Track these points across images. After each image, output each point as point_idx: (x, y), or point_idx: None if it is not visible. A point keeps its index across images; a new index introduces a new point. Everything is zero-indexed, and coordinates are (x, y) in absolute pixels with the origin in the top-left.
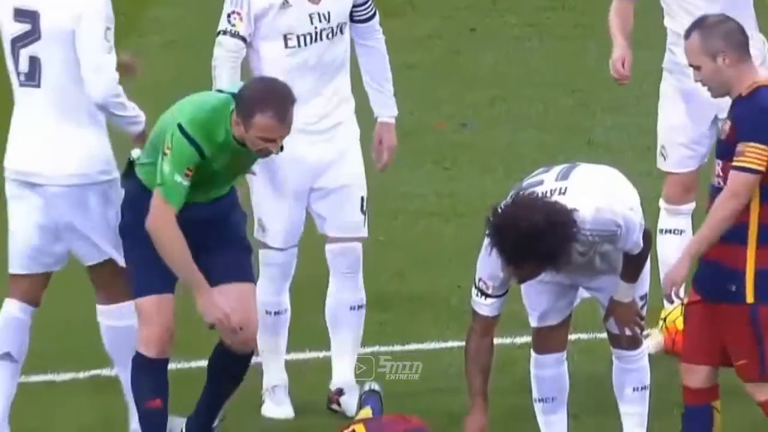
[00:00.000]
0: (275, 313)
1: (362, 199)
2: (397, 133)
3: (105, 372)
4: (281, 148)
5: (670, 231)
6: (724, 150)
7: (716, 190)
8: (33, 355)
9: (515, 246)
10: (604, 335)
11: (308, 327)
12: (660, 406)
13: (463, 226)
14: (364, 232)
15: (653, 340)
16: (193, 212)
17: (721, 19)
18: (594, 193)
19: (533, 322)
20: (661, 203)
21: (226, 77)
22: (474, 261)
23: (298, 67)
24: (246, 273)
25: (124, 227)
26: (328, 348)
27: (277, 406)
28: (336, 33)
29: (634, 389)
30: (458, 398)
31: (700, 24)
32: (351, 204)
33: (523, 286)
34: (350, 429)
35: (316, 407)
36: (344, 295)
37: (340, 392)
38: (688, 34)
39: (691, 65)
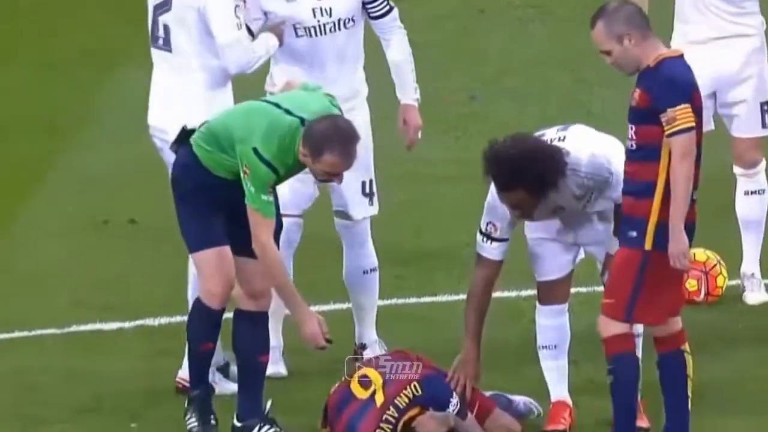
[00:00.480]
0: None
1: (364, 183)
2: None
3: (149, 321)
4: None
5: None
6: (635, 115)
7: (631, 152)
8: (82, 307)
9: (505, 171)
10: (602, 288)
11: (333, 279)
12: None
13: (472, 189)
14: (367, 212)
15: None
16: (232, 187)
17: (619, 5)
18: (590, 141)
19: (538, 277)
20: None
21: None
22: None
23: (309, 54)
24: None
25: (177, 186)
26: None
27: (272, 365)
28: (339, 27)
29: None
30: None
31: (601, 13)
32: (354, 187)
33: (530, 245)
34: (363, 377)
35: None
36: (356, 261)
37: (363, 347)
38: (593, 24)
39: (601, 52)
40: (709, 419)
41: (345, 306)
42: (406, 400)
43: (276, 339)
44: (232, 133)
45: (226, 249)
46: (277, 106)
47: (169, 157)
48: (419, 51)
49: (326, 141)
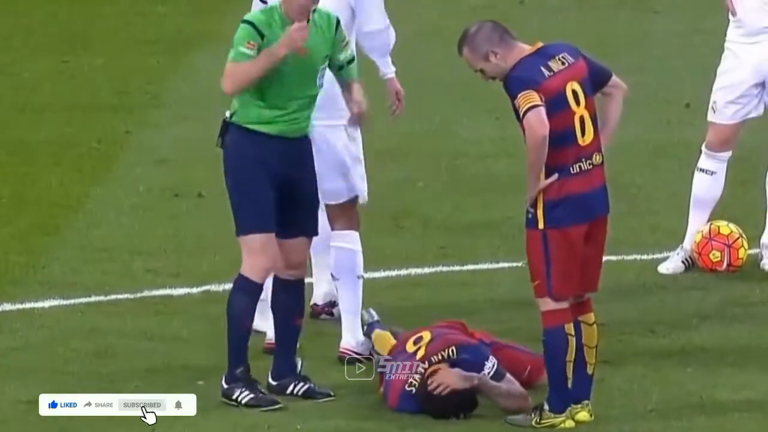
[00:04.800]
0: None
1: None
2: (458, 86)
3: (214, 287)
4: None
5: (704, 171)
6: (515, 113)
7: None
8: (153, 274)
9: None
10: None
11: (381, 248)
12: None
13: (512, 165)
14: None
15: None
16: (284, 147)
17: (477, 28)
18: None
19: None
20: (703, 148)
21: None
22: (523, 194)
23: None
24: (312, 227)
25: (231, 166)
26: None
27: (264, 320)
28: None
29: None
30: (508, 312)
31: (464, 39)
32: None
33: None
34: (418, 335)
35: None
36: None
37: (333, 304)
38: (459, 50)
39: (476, 71)
40: (726, 377)
41: (396, 273)
42: (439, 358)
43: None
44: None
45: (272, 235)
46: None
47: None
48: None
49: None
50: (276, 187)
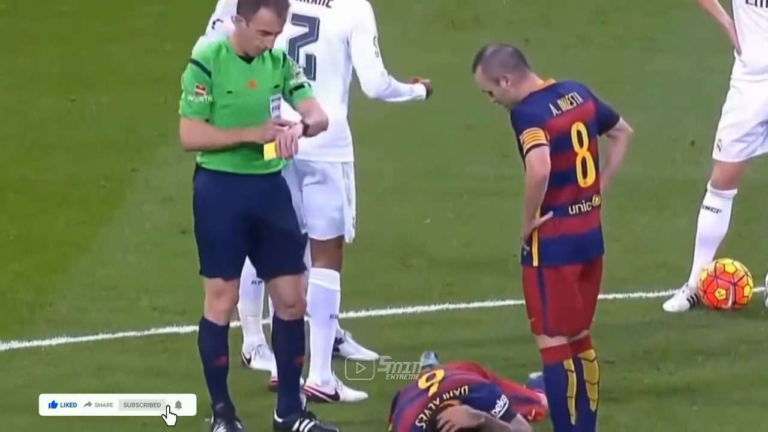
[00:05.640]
0: (259, 282)
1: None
2: (463, 126)
3: None
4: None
5: (710, 209)
6: (518, 148)
7: None
8: (160, 312)
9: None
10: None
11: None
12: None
13: (518, 203)
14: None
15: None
16: (253, 186)
17: (496, 50)
18: None
19: None
20: (709, 186)
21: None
22: None
23: None
24: (295, 264)
25: (201, 209)
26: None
27: (268, 361)
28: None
29: None
30: (514, 349)
31: (480, 58)
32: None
33: None
34: (432, 373)
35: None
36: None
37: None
38: (473, 68)
39: (483, 91)
40: (731, 415)
41: (402, 311)
42: (451, 396)
43: (260, 338)
44: None
45: (233, 280)
46: None
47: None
48: (473, 77)
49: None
50: (248, 227)
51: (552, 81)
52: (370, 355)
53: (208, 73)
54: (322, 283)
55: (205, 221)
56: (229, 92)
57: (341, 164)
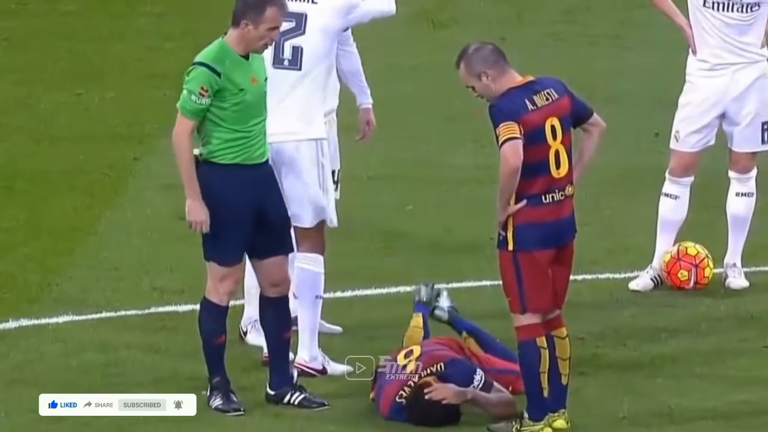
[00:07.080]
0: None
1: (334, 171)
2: (444, 119)
3: None
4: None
5: (668, 195)
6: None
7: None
8: (160, 291)
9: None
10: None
11: (372, 267)
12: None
13: (495, 190)
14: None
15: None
16: (256, 174)
17: (477, 47)
18: None
19: None
20: (667, 174)
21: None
22: None
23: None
24: (285, 246)
25: (210, 203)
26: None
27: (262, 336)
28: None
29: None
30: (491, 323)
31: (462, 55)
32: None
33: None
34: (409, 349)
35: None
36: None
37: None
38: (457, 65)
39: (466, 86)
40: (693, 387)
41: (386, 291)
42: (428, 372)
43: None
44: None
45: (236, 265)
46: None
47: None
48: (453, 73)
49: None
50: (249, 213)
51: (530, 78)
52: (334, 329)
53: (219, 74)
54: (307, 266)
55: (217, 212)
56: (241, 90)
57: (315, 142)
